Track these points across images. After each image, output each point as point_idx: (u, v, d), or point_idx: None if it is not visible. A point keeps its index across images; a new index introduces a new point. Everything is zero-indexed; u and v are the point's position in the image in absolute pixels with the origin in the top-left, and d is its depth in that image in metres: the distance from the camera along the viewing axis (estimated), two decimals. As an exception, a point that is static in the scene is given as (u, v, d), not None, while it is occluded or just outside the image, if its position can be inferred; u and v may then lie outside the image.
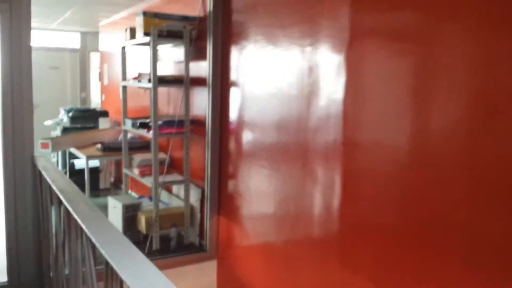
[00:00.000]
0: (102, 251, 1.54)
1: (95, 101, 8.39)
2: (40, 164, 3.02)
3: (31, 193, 3.16)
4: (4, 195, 3.16)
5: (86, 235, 1.79)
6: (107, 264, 1.57)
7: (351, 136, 2.54)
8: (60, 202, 2.31)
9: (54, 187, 2.42)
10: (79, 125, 6.23)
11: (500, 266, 1.80)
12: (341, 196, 2.66)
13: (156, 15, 4.00)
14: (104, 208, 4.59)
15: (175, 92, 4.58)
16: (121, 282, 1.50)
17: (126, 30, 4.58)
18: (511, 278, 1.76)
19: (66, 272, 2.48)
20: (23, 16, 3.10)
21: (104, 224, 1.83)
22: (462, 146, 1.94)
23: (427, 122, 2.12)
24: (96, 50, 7.98)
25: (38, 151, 4.85)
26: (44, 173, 2.77)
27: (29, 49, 3.16)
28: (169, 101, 4.84)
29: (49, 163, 3.09)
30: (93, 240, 1.65)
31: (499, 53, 1.77)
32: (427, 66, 2.08)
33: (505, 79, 1.74)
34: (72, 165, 6.10)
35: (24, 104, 3.17)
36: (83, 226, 1.78)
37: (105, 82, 7.27)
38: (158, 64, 4.50)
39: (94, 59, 8.37)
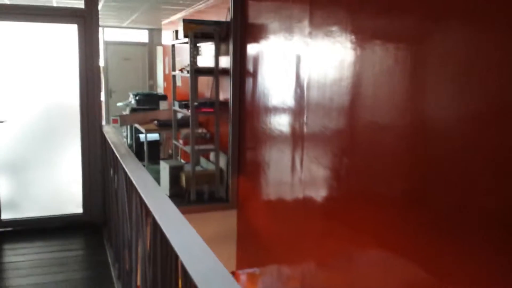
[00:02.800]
0: (138, 188, 2.41)
1: (160, 87, 9.67)
2: (105, 130, 4.20)
3: (100, 150, 4.35)
4: (81, 151, 4.38)
5: (139, 194, 2.30)
6: (140, 198, 2.26)
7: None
8: (114, 154, 3.41)
9: (112, 146, 3.52)
10: (143, 106, 7.48)
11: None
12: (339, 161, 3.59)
13: (193, 21, 5.07)
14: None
15: (211, 80, 5.63)
16: (150, 212, 1.98)
17: (173, 32, 5.69)
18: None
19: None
20: (93, 27, 4.27)
21: (142, 171, 2.64)
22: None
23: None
24: (161, 44, 9.24)
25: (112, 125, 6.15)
26: (108, 137, 3.92)
27: (97, 50, 4.32)
28: (208, 86, 5.91)
29: (111, 130, 4.27)
30: (133, 180, 2.38)
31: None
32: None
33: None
34: (137, 138, 7.39)
35: (94, 88, 4.35)
36: (126, 169, 2.72)
37: (166, 71, 8.50)
38: (200, 57, 5.60)
39: (160, 52, 9.63)
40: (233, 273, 5.33)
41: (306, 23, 3.51)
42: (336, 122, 3.19)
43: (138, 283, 2.65)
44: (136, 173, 2.53)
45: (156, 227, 1.93)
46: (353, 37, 2.93)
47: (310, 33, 3.46)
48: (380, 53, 2.69)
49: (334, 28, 3.12)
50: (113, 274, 3.36)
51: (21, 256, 3.74)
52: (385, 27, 2.68)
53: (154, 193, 2.23)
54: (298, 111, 3.71)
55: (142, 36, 9.96)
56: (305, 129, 3.61)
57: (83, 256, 3.85)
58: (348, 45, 2.96)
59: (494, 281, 2.04)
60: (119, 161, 2.96)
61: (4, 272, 3.48)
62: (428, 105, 2.39)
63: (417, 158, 2.47)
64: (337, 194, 3.25)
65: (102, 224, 4.30)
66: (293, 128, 3.85)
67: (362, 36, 2.85)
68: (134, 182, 2.38)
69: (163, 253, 1.90)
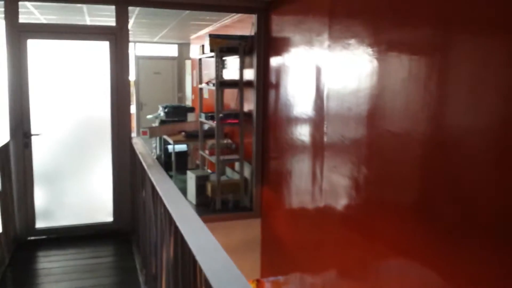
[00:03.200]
0: (162, 196, 2.54)
1: (189, 99, 9.88)
2: (134, 141, 4.37)
3: (129, 161, 4.52)
4: (111, 162, 4.56)
5: (163, 202, 2.41)
6: (165, 206, 2.45)
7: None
8: (141, 165, 3.55)
9: (140, 156, 3.67)
10: (172, 118, 7.67)
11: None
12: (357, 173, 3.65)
13: (218, 36, 5.22)
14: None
15: (236, 92, 5.76)
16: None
17: (200, 46, 5.86)
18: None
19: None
20: (124, 43, 4.46)
21: (182, 202, 2.73)
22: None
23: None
24: (189, 58, 9.46)
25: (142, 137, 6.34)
26: (136, 148, 4.08)
27: (127, 65, 4.51)
28: (233, 98, 6.04)
29: (140, 142, 4.43)
30: (170, 211, 2.27)
31: None
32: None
33: None
34: (166, 149, 7.57)
35: (125, 101, 4.53)
36: (156, 186, 2.83)
37: (194, 84, 8.70)
38: (226, 70, 5.75)
39: (188, 65, 9.85)
40: (257, 281, 5.40)
41: (325, 36, 3.60)
42: (354, 131, 3.25)
43: (163, 288, 2.76)
44: (161, 183, 2.65)
45: (177, 234, 2.03)
46: (369, 49, 2.99)
47: (329, 46, 3.54)
48: (395, 65, 2.75)
49: (351, 41, 3.19)
50: (140, 279, 3.49)
51: (54, 263, 3.92)
52: (400, 40, 2.74)
53: (177, 202, 2.33)
54: (318, 121, 3.79)
55: (171, 50, 10.21)
56: (325, 139, 3.68)
57: (113, 263, 4.00)
58: (365, 57, 3.03)
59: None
60: (146, 171, 3.10)
61: (37, 278, 3.66)
62: (445, 115, 2.43)
63: (435, 167, 2.51)
64: (356, 203, 3.30)
65: (131, 232, 4.45)
66: (313, 138, 3.92)
67: (378, 48, 2.91)
68: (159, 191, 2.50)
69: (185, 259, 2.00)
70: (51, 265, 3.86)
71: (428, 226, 2.57)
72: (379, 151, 3.01)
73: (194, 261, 1.75)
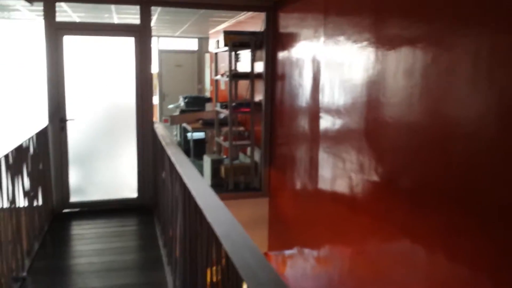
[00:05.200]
0: (176, 165, 3.05)
1: (208, 90, 10.41)
2: (155, 126, 4.93)
3: (151, 144, 5.07)
4: (136, 145, 5.13)
5: (178, 172, 2.83)
6: (181, 180, 3.00)
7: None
8: (161, 144, 4.08)
9: (159, 137, 4.21)
10: (191, 108, 8.23)
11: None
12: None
13: (232, 32, 5.72)
14: (202, 163, 6.47)
15: (248, 83, 6.26)
16: (193, 200, 2.24)
17: (216, 41, 6.37)
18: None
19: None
20: (147, 39, 5.00)
21: (193, 172, 3.17)
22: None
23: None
24: (208, 51, 9.98)
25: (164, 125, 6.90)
26: (157, 131, 4.62)
27: (150, 59, 5.05)
28: (246, 89, 6.54)
29: (160, 126, 4.98)
30: (185, 181, 2.61)
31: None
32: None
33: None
34: (185, 137, 8.14)
35: (148, 91, 5.08)
36: (172, 158, 3.32)
37: (212, 76, 9.23)
38: (240, 63, 6.25)
39: (207, 58, 10.37)
40: (265, 254, 5.92)
41: (321, 33, 4.06)
42: (344, 119, 3.71)
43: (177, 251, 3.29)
44: (177, 156, 3.17)
45: (190, 198, 2.53)
46: (356, 45, 3.46)
47: (324, 42, 4.01)
48: (375, 58, 3.21)
49: (340, 38, 3.66)
50: (160, 243, 4.04)
51: (86, 230, 4.51)
52: (379, 37, 3.19)
53: (189, 171, 2.84)
54: (314, 110, 4.26)
55: (192, 44, 10.75)
56: (320, 126, 4.15)
57: (137, 230, 4.58)
58: (353, 51, 3.49)
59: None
60: (164, 148, 3.63)
61: (73, 240, 4.27)
62: (434, 105, 2.85)
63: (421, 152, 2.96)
64: (350, 184, 3.77)
65: (153, 206, 5.00)
66: (311, 125, 4.40)
67: (364, 43, 3.37)
68: (174, 162, 3.02)
69: (198, 226, 2.37)
70: (84, 231, 4.46)
71: (411, 201, 3.02)
72: (366, 137, 3.46)
73: (201, 217, 2.18)
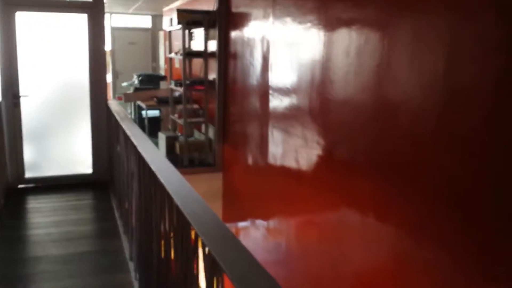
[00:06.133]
0: (131, 137, 3.27)
1: (162, 68, 10.49)
2: (109, 103, 5.06)
3: (105, 119, 5.20)
4: (90, 121, 5.24)
5: (133, 144, 3.13)
6: (144, 163, 3.24)
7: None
8: (116, 120, 4.24)
9: (114, 113, 4.37)
10: (145, 86, 8.33)
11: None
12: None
13: (185, 11, 5.88)
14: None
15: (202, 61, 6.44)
16: (148, 166, 2.48)
17: (170, 19, 6.49)
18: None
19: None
20: (100, 16, 5.09)
21: (147, 143, 3.42)
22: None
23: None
24: (162, 29, 10.03)
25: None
26: (111, 108, 4.77)
27: (103, 36, 5.15)
28: (201, 67, 6.73)
29: (114, 102, 5.12)
30: (140, 151, 3.06)
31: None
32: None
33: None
34: (140, 114, 8.25)
35: (101, 68, 5.19)
36: (126, 131, 3.55)
37: (167, 54, 9.31)
38: (194, 42, 6.41)
39: (161, 36, 10.42)
40: (219, 227, 6.21)
41: (270, 14, 4.31)
42: (294, 96, 4.00)
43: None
44: (131, 128, 3.37)
45: (145, 165, 2.75)
46: (301, 26, 3.73)
47: (273, 23, 4.26)
48: (319, 39, 3.50)
49: (287, 19, 3.92)
50: (116, 215, 4.24)
51: (42, 204, 4.64)
52: (323, 19, 3.47)
53: (143, 141, 3.05)
54: (265, 88, 4.53)
55: (146, 22, 10.75)
56: (270, 103, 4.43)
57: (93, 204, 4.75)
58: (299, 32, 3.77)
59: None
60: (119, 122, 3.81)
61: (30, 213, 4.40)
62: (368, 83, 3.16)
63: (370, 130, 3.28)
64: (296, 158, 4.08)
65: (108, 182, 5.16)
66: (262, 102, 4.67)
67: (308, 25, 3.65)
68: (129, 134, 3.22)
69: (152, 189, 2.61)
70: (40, 205, 4.59)
71: (347, 171, 3.36)
72: (310, 113, 3.76)
73: (155, 180, 2.42)
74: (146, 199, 2.78)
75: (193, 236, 1.70)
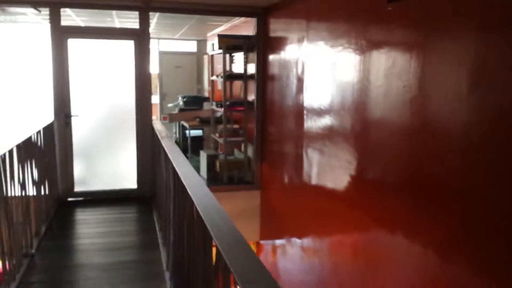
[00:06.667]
0: (173, 162, 3.44)
1: (206, 90, 10.81)
2: (154, 123, 5.33)
3: (150, 138, 5.48)
4: (136, 140, 5.53)
5: (169, 160, 3.35)
6: (178, 177, 3.42)
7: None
8: (157, 137, 4.48)
9: (156, 131, 4.61)
10: (189, 107, 8.64)
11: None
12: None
13: (226, 36, 6.13)
14: (198, 158, 6.87)
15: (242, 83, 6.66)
16: (180, 179, 2.61)
17: (211, 44, 6.77)
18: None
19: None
20: (146, 43, 5.41)
21: (182, 159, 3.61)
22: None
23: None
24: (206, 53, 10.39)
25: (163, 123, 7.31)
26: (155, 127, 5.03)
27: (148, 61, 5.47)
28: (241, 89, 6.95)
29: (158, 122, 5.39)
30: (175, 165, 3.27)
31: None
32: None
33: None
34: (184, 134, 8.55)
35: (146, 91, 5.49)
36: (170, 156, 3.72)
37: (210, 77, 9.63)
38: (235, 65, 6.65)
39: (206, 60, 10.78)
40: (257, 243, 6.32)
41: (305, 37, 4.46)
42: (327, 117, 4.10)
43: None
44: (169, 145, 3.58)
45: (177, 178, 2.92)
46: (332, 49, 3.85)
47: (306, 46, 4.41)
48: (350, 62, 3.61)
49: (320, 43, 4.06)
50: (157, 227, 4.44)
51: (89, 216, 4.93)
52: (350, 42, 3.58)
53: (178, 157, 3.23)
54: (300, 108, 4.66)
55: (191, 46, 11.16)
56: (304, 123, 4.55)
57: (136, 217, 5.00)
58: (331, 55, 3.89)
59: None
60: (160, 140, 4.04)
61: (77, 224, 4.69)
62: (406, 105, 3.22)
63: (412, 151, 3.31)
64: (329, 177, 4.16)
65: (151, 197, 5.41)
66: (297, 122, 4.80)
67: (339, 48, 3.77)
68: (167, 151, 3.43)
69: (186, 205, 2.75)
70: (87, 217, 4.87)
71: (376, 190, 3.41)
72: (342, 134, 3.85)
73: (191, 206, 2.52)
74: (179, 211, 2.95)
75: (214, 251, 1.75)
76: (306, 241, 4.77)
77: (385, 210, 3.23)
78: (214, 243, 1.67)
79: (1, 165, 3.13)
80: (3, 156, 3.19)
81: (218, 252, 1.56)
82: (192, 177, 2.66)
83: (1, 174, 3.11)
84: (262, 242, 6.19)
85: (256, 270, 1.34)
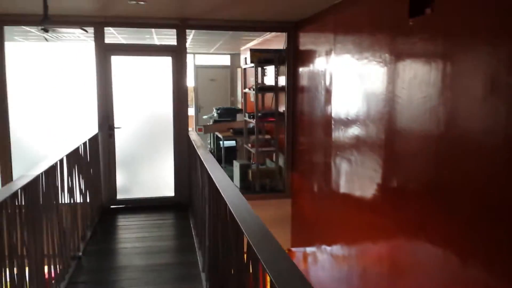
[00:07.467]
0: (208, 169, 3.66)
1: (239, 102, 11.06)
2: (190, 133, 5.58)
3: (186, 148, 5.72)
4: (173, 149, 5.79)
5: (205, 167, 3.60)
6: (212, 181, 3.65)
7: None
8: (193, 146, 4.71)
9: (192, 141, 4.84)
10: (223, 119, 8.89)
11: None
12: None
13: (257, 50, 6.34)
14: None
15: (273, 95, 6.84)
16: (214, 184, 2.97)
17: (244, 58, 7.00)
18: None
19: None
20: (183, 58, 5.68)
21: (216, 166, 3.80)
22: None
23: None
24: (240, 66, 10.66)
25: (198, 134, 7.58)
26: (191, 137, 5.26)
27: (185, 76, 5.73)
28: (272, 101, 7.13)
29: (194, 133, 5.62)
30: (209, 171, 3.57)
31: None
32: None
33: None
34: (218, 144, 8.80)
35: (183, 103, 5.75)
36: (205, 163, 3.94)
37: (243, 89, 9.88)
38: (266, 77, 6.86)
39: (239, 73, 11.05)
40: (288, 250, 6.44)
41: (332, 50, 4.61)
42: (354, 127, 4.23)
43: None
44: (204, 154, 3.78)
45: (212, 184, 3.10)
46: (358, 62, 3.99)
47: (334, 59, 4.55)
48: (376, 73, 3.73)
49: (346, 56, 4.20)
50: (193, 232, 4.65)
51: (130, 222, 5.18)
52: (375, 54, 3.71)
53: (213, 164, 3.42)
54: (328, 119, 4.80)
55: (225, 60, 11.47)
56: (333, 134, 4.68)
57: (173, 223, 5.22)
58: (357, 67, 4.02)
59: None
60: (196, 149, 4.25)
61: (119, 230, 4.94)
62: (432, 116, 3.33)
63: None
64: (356, 186, 4.27)
65: (188, 204, 5.63)
66: (326, 133, 4.93)
67: (364, 61, 3.90)
68: (202, 159, 3.63)
69: (220, 208, 2.95)
70: (128, 223, 5.13)
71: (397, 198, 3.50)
72: (369, 144, 3.96)
73: (225, 208, 2.70)
74: (214, 216, 3.13)
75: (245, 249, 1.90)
76: (336, 248, 4.86)
77: (408, 216, 3.32)
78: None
79: (55, 173, 3.40)
80: (54, 164, 3.46)
81: (248, 246, 1.73)
82: (224, 181, 2.85)
83: (55, 182, 3.38)
84: (293, 249, 6.31)
85: (282, 258, 1.50)
